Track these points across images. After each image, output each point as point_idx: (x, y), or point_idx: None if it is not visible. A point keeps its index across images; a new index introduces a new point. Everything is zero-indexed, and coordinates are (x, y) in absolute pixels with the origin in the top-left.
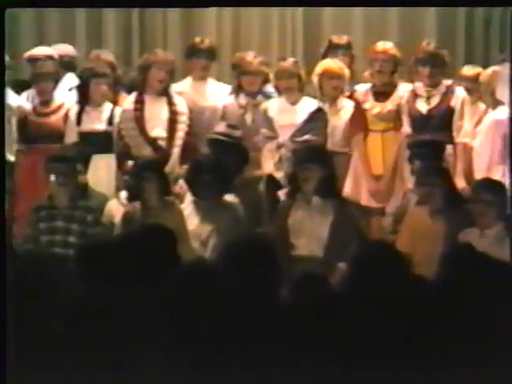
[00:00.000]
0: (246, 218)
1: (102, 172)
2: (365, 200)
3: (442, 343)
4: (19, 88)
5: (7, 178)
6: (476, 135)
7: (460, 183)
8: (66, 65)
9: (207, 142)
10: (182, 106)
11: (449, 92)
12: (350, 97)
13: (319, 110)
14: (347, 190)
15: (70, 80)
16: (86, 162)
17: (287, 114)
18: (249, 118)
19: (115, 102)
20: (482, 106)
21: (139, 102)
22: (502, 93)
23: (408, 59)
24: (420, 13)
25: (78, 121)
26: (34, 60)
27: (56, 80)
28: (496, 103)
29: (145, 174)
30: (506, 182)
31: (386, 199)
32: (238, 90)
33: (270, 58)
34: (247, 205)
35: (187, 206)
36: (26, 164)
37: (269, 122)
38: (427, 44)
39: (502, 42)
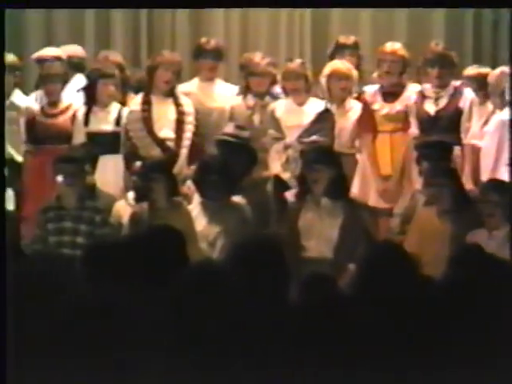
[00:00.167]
0: (254, 218)
1: (109, 173)
2: (373, 201)
3: (450, 344)
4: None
5: (16, 178)
6: (483, 136)
7: (468, 184)
8: (75, 66)
9: (215, 143)
10: (188, 106)
11: (457, 93)
12: (359, 98)
13: (326, 111)
14: (355, 191)
15: (79, 81)
16: (93, 163)
17: (294, 114)
18: (257, 118)
19: (123, 103)
20: (490, 106)
21: (146, 103)
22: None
23: (416, 60)
24: (428, 13)
25: (86, 121)
26: (42, 61)
27: (64, 81)
28: (504, 104)
29: (153, 174)
30: None
31: (394, 200)
32: (245, 90)
33: (278, 58)
34: (254, 206)
35: (195, 207)
36: (34, 165)
37: (276, 123)
38: (435, 45)
39: (511, 43)
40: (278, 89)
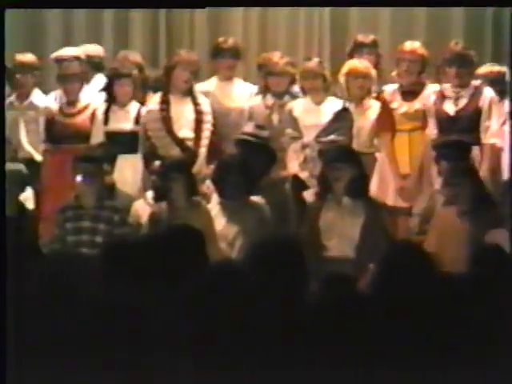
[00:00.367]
0: (272, 218)
1: (127, 172)
2: (391, 200)
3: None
4: None
5: (35, 178)
6: (503, 135)
7: (487, 184)
8: (95, 65)
9: (235, 142)
10: (205, 105)
11: (477, 92)
12: (378, 97)
13: (344, 110)
14: (373, 189)
15: (100, 81)
16: (111, 162)
17: (312, 114)
18: (275, 118)
19: (143, 102)
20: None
21: (165, 103)
22: None
23: (435, 59)
24: (447, 12)
25: (105, 120)
26: (61, 60)
27: (82, 81)
28: None
29: (172, 174)
30: None
31: (412, 199)
32: (264, 90)
33: (297, 58)
34: (273, 205)
35: (214, 207)
36: (53, 164)
37: (294, 123)
38: (455, 44)
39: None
40: (297, 88)
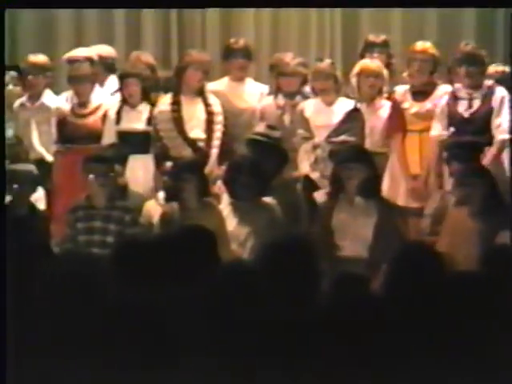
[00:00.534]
0: (284, 219)
1: (139, 172)
2: (402, 200)
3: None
4: None
5: (46, 178)
6: None
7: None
8: (108, 67)
9: (246, 143)
10: (217, 105)
11: (489, 93)
12: (389, 98)
13: (355, 110)
14: (384, 190)
15: (113, 82)
16: (123, 163)
17: (323, 114)
18: (287, 118)
19: (155, 103)
20: None
21: (176, 103)
22: None
23: (447, 59)
24: (459, 12)
25: (117, 120)
26: (73, 61)
27: (93, 82)
28: None
29: (185, 174)
30: None
31: (423, 199)
32: (276, 90)
33: (309, 58)
34: (284, 206)
35: (225, 207)
36: (65, 164)
37: (305, 123)
38: (465, 44)
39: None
40: (308, 89)
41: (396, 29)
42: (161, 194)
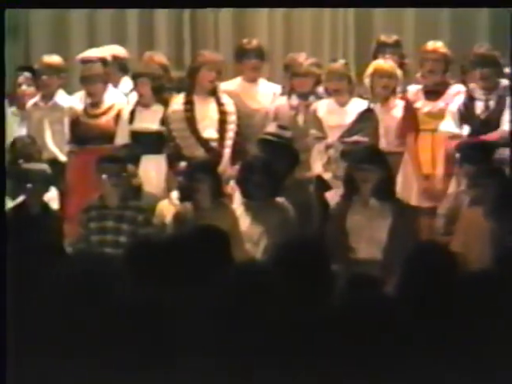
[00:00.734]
0: (296, 219)
1: (152, 172)
2: (415, 200)
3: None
4: None
5: (59, 178)
6: None
7: None
8: (122, 67)
9: (257, 143)
10: (230, 105)
11: (505, 93)
12: (402, 98)
13: (368, 111)
14: (397, 190)
15: (127, 82)
16: (136, 163)
17: (336, 114)
18: (301, 119)
19: (167, 103)
20: None
21: (189, 103)
22: None
23: (460, 59)
24: (472, 12)
25: (131, 119)
26: (86, 62)
27: (105, 82)
28: None
29: (199, 174)
30: None
31: (435, 199)
32: (290, 91)
33: (322, 59)
34: (297, 206)
35: (237, 207)
36: (77, 164)
37: (318, 123)
38: (479, 46)
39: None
40: (321, 89)
41: (409, 29)
42: (174, 194)
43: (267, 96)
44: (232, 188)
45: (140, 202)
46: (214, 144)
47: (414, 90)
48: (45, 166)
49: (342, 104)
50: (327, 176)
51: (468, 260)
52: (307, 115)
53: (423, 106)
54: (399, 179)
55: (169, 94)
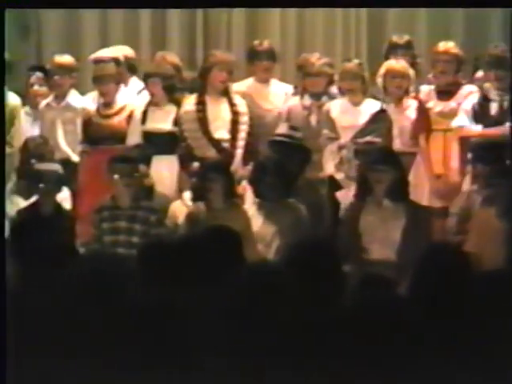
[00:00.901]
0: (309, 219)
1: (164, 173)
2: (427, 200)
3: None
4: None
5: (72, 178)
6: None
7: None
8: (131, 67)
9: (268, 144)
10: (242, 106)
11: None
12: (414, 98)
13: (382, 112)
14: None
15: (136, 82)
16: (148, 163)
17: (349, 115)
18: (313, 119)
19: (180, 103)
20: None
21: (201, 104)
22: None
23: (472, 59)
24: (484, 13)
25: (143, 120)
26: (99, 62)
27: (118, 82)
28: None
29: (211, 175)
30: None
31: (447, 199)
32: (302, 91)
33: (335, 59)
34: (309, 206)
35: (249, 208)
36: (90, 165)
37: (331, 123)
38: (494, 47)
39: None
40: (334, 89)
41: (422, 29)
42: (186, 195)
43: (279, 96)
44: (243, 188)
45: (152, 202)
46: (226, 144)
47: (426, 90)
48: (57, 166)
49: (356, 104)
50: (339, 176)
51: (480, 260)
52: (320, 115)
53: (435, 105)
54: (411, 179)
55: (181, 95)
